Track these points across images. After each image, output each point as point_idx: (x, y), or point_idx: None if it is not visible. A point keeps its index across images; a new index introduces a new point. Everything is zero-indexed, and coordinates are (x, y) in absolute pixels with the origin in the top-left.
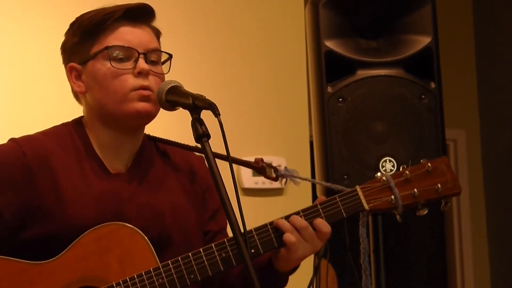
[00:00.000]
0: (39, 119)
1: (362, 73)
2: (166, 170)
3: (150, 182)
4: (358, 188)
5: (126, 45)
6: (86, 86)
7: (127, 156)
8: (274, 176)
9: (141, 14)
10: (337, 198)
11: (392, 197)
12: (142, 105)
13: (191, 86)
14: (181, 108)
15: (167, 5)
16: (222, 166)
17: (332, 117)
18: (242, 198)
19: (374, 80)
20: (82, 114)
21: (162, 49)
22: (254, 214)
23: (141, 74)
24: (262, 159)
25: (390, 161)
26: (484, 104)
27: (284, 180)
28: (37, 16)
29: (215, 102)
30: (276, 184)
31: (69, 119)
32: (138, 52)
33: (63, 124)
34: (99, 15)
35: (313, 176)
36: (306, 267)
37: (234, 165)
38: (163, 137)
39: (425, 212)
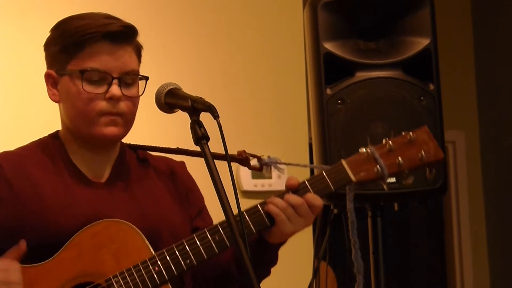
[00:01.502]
0: (37, 120)
1: (361, 75)
2: (147, 175)
3: (132, 187)
4: (343, 161)
5: (101, 69)
6: (60, 97)
7: (104, 166)
8: (258, 166)
9: (123, 36)
10: (324, 173)
11: (378, 167)
12: (109, 130)
13: (189, 88)
14: (180, 111)
15: (165, 8)
16: (222, 169)
17: (331, 119)
18: (242, 201)
19: (373, 82)
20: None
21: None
22: None
23: (112, 99)
24: (244, 151)
25: None
26: (483, 105)
27: (269, 169)
28: (35, 18)
29: (214, 104)
30: (275, 186)
31: None
32: (112, 77)
33: (39, 139)
34: (80, 34)
35: None
36: (306, 270)
37: (233, 168)
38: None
39: (411, 181)
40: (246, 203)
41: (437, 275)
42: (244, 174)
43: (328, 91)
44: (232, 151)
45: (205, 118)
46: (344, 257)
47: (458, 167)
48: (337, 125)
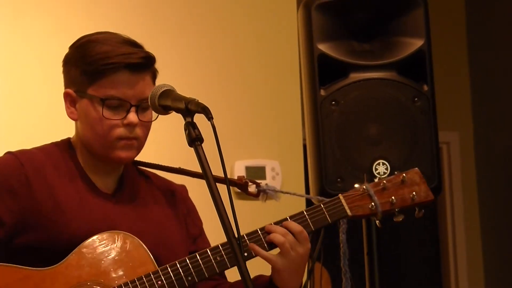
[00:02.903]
0: (32, 121)
1: (355, 76)
2: (149, 192)
3: (135, 203)
4: (340, 196)
5: (120, 97)
6: (78, 116)
7: (112, 179)
8: (256, 192)
9: (142, 67)
10: (322, 205)
11: (372, 203)
12: (125, 154)
13: (184, 90)
14: (174, 112)
15: (160, 8)
16: (216, 170)
17: (325, 120)
18: (236, 202)
19: (367, 83)
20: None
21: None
22: (248, 217)
23: (130, 126)
24: (244, 176)
25: (383, 164)
26: (477, 106)
27: (265, 196)
28: (29, 19)
29: (208, 106)
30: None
31: (61, 123)
32: (130, 104)
33: (52, 143)
34: (102, 62)
35: (306, 179)
36: None
37: (227, 167)
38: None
39: (401, 219)
40: (241, 204)
41: (431, 275)
42: (238, 175)
43: (322, 92)
44: (226, 153)
45: (199, 119)
46: (338, 257)
47: (453, 168)
48: (331, 126)
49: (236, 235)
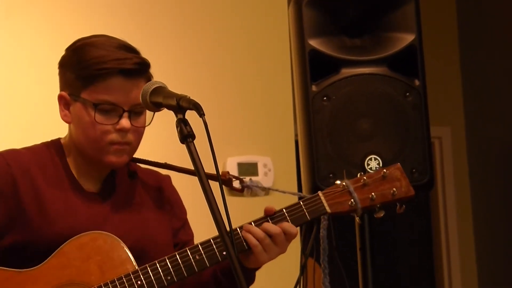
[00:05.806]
0: (22, 122)
1: (346, 72)
2: (136, 188)
3: (122, 200)
4: (320, 193)
5: (113, 102)
6: (72, 119)
7: (99, 180)
8: (240, 187)
9: (136, 73)
10: (301, 203)
11: (352, 200)
12: (116, 159)
13: (175, 86)
14: (165, 109)
15: (151, 4)
16: (208, 166)
17: (317, 115)
18: (228, 198)
19: (358, 78)
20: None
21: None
22: (241, 214)
23: (122, 131)
24: (228, 172)
25: (375, 159)
26: (469, 101)
27: (250, 191)
28: (21, 19)
29: (199, 102)
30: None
31: (52, 123)
32: (123, 110)
33: (43, 143)
34: (96, 67)
35: (298, 175)
36: (293, 266)
37: (219, 163)
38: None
39: (382, 214)
40: (233, 201)
41: (424, 270)
42: (231, 171)
43: (314, 88)
44: (218, 149)
45: (191, 116)
46: (331, 254)
47: (445, 163)
48: (323, 122)
49: (228, 230)
